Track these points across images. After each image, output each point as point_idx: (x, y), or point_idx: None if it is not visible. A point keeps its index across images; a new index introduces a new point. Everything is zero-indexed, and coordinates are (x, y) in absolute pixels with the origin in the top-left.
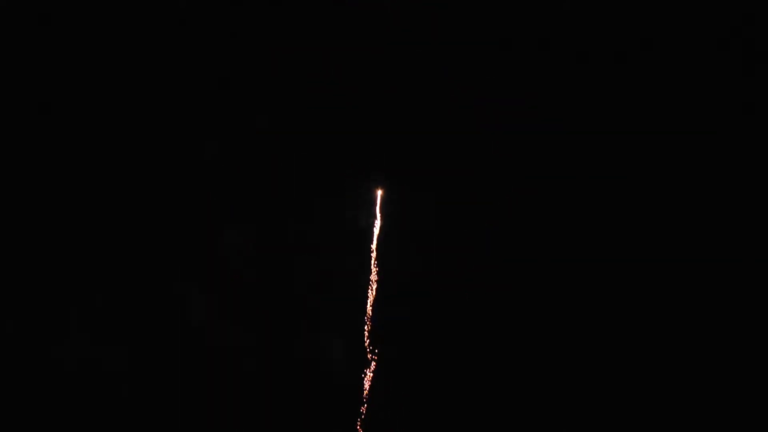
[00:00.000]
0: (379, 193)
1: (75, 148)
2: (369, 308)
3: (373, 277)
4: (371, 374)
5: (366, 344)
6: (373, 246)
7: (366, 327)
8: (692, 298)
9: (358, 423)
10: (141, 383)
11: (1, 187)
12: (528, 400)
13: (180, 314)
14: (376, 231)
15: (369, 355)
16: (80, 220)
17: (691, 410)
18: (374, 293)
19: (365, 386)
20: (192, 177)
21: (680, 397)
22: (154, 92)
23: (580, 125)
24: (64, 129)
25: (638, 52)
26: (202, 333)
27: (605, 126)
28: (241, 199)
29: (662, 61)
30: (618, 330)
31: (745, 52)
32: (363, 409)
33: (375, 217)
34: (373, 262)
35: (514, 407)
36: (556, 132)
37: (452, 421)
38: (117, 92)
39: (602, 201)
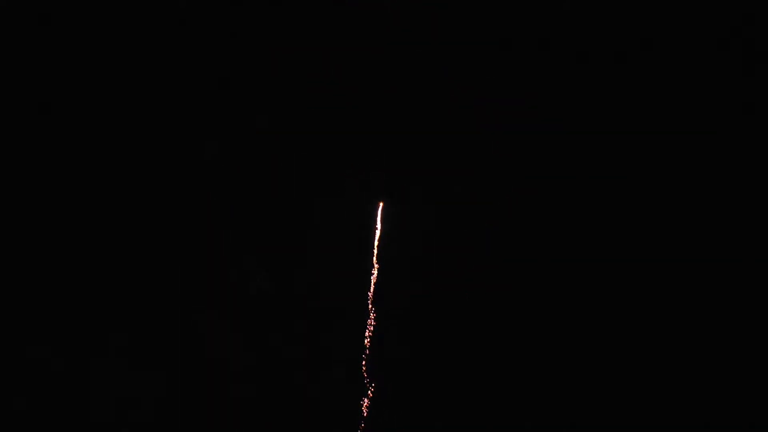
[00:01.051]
0: (379, 193)
1: (75, 148)
2: (369, 308)
3: (374, 277)
4: (372, 375)
5: (366, 344)
6: (374, 246)
7: (367, 327)
8: (693, 298)
9: (359, 424)
10: (140, 384)
11: (1, 188)
12: (529, 401)
13: (178, 314)
14: (377, 231)
15: (369, 356)
16: (78, 220)
17: (692, 410)
18: (374, 293)
19: (366, 388)
20: (192, 177)
21: (681, 397)
22: (154, 92)
23: (580, 125)
24: (64, 129)
25: (638, 52)
26: (201, 333)
27: (605, 126)
28: (240, 200)
29: (662, 61)
30: (619, 330)
31: (745, 52)
32: (364, 410)
33: (375, 217)
34: (373, 262)
35: (515, 408)
36: (556, 132)
37: (452, 421)
38: (117, 92)
39: (602, 201)
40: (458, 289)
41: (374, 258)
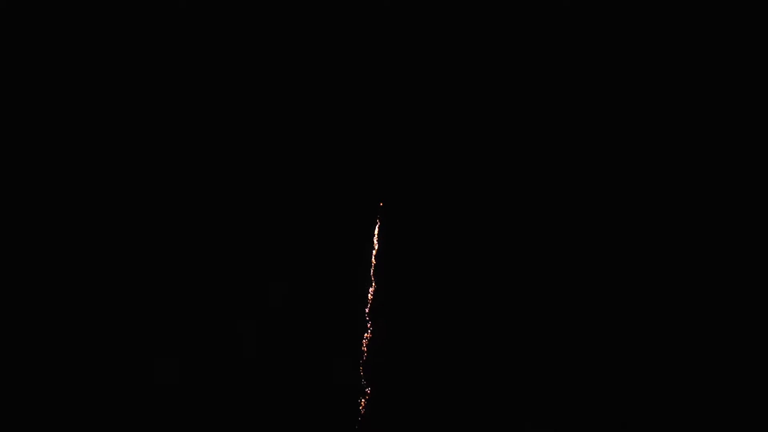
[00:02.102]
0: (380, 193)
1: (75, 148)
2: (369, 308)
3: (374, 276)
4: (371, 376)
5: (366, 345)
6: (374, 246)
7: (366, 328)
8: (692, 298)
9: (359, 424)
10: (138, 383)
11: (1, 188)
12: (529, 402)
13: (178, 315)
14: (377, 231)
15: (369, 357)
16: (78, 221)
17: (692, 410)
18: (374, 293)
19: (365, 389)
20: (192, 177)
21: (681, 397)
22: (154, 92)
23: (580, 125)
24: (64, 129)
25: (638, 52)
26: (198, 335)
27: (605, 126)
28: (240, 200)
29: (662, 61)
30: (619, 331)
31: (745, 52)
32: (362, 410)
33: (375, 218)
34: (372, 262)
35: (515, 408)
36: (556, 132)
37: (452, 422)
38: (117, 92)
39: (602, 201)
40: (458, 288)
41: (374, 258)
